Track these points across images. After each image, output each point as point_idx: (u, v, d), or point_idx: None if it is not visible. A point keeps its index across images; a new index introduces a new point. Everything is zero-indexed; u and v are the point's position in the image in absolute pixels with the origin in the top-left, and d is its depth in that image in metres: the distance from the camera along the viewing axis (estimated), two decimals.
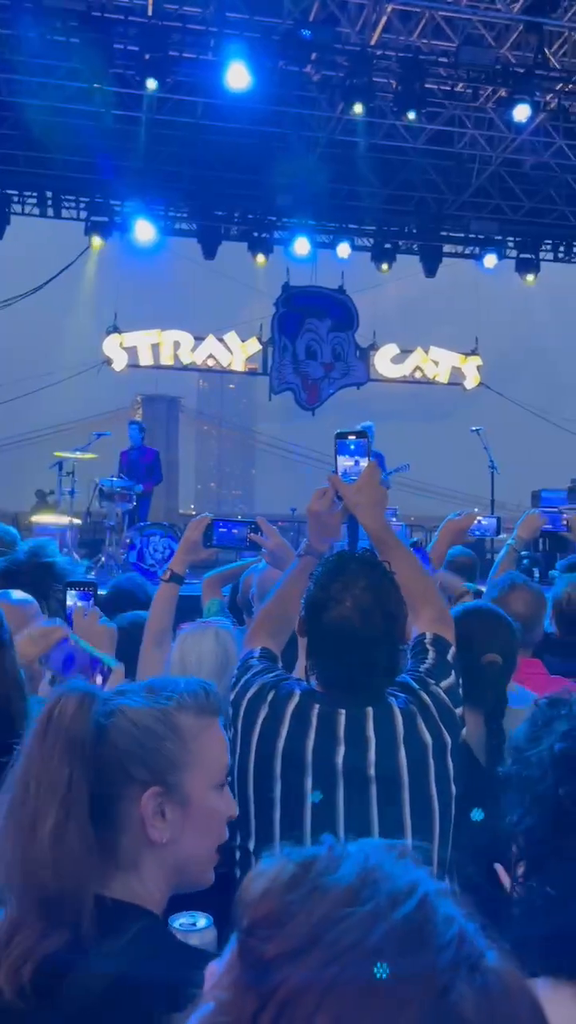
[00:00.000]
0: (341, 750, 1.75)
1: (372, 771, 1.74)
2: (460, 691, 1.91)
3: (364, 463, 2.13)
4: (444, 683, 1.88)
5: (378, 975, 0.47)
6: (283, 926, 0.50)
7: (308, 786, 1.75)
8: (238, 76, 9.71)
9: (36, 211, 13.61)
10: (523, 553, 4.16)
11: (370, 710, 1.79)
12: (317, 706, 1.81)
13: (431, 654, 1.93)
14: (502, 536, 4.26)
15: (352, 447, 2.14)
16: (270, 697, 1.84)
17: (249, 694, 1.88)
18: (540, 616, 3.10)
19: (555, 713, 1.16)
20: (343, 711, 1.79)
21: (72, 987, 1.07)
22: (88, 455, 10.06)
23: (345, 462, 2.13)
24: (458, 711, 1.86)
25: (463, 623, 2.59)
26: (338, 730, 1.77)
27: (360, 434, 2.17)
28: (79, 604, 2.17)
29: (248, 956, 0.51)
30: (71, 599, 2.31)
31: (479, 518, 3.52)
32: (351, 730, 1.77)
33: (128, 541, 8.89)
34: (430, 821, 1.77)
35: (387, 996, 0.47)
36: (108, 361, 14.33)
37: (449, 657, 1.94)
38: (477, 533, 3.62)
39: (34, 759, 1.18)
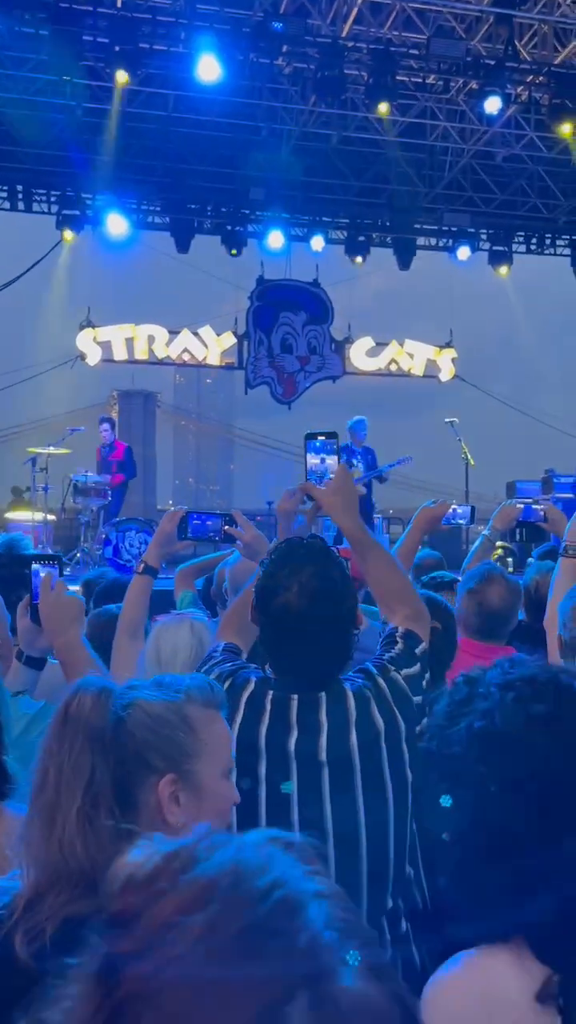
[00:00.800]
0: (294, 736, 1.78)
1: (324, 755, 1.76)
2: (424, 683, 1.92)
3: (332, 461, 2.15)
4: (405, 671, 1.90)
5: (213, 981, 0.46)
6: (135, 923, 0.50)
7: (263, 773, 1.77)
8: (209, 68, 9.67)
9: (7, 205, 13.49)
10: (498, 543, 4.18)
11: (323, 695, 1.81)
12: (271, 692, 1.83)
13: (399, 645, 1.95)
14: (478, 527, 4.28)
15: (318, 445, 2.17)
16: (226, 686, 1.86)
17: None
18: (515, 608, 3.12)
19: (473, 691, 1.19)
20: (295, 696, 1.81)
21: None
22: (62, 450, 10.00)
23: (312, 460, 2.16)
24: (417, 700, 1.87)
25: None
26: (291, 716, 1.79)
27: (330, 434, 2.20)
28: (44, 574, 2.14)
29: (101, 949, 0.50)
30: (35, 572, 2.26)
31: (454, 506, 3.54)
32: (303, 715, 1.79)
33: (103, 536, 8.85)
34: (384, 805, 1.78)
35: (220, 1004, 0.46)
36: (82, 356, 14.23)
37: (417, 651, 1.95)
38: (452, 521, 3.63)
39: (55, 751, 1.27)
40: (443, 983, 1.11)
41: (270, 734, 1.79)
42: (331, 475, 2.14)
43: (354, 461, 9.82)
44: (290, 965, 0.47)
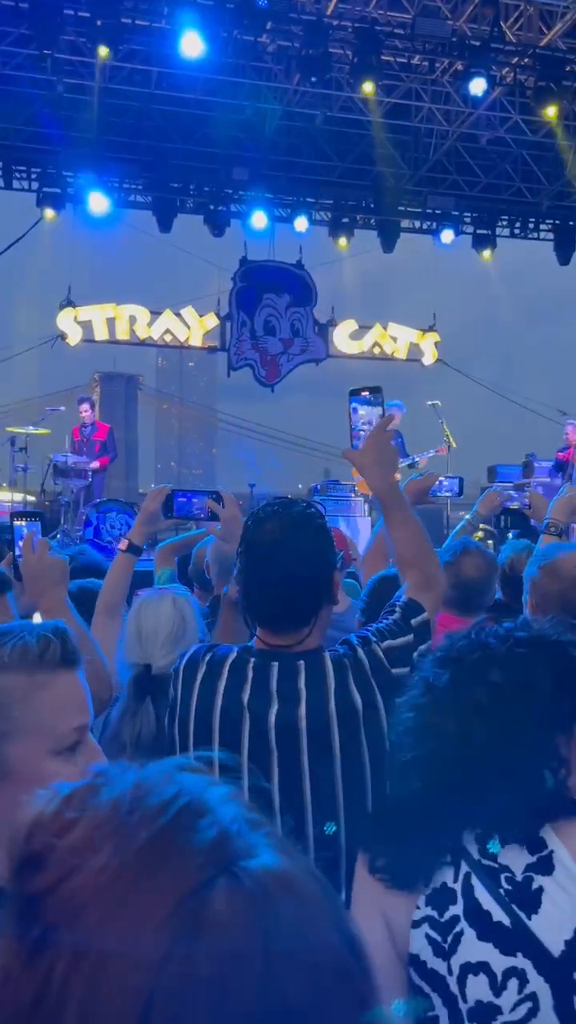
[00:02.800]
0: (275, 707, 1.79)
1: (303, 724, 1.78)
2: (415, 653, 1.92)
3: (374, 416, 2.15)
4: (389, 643, 1.90)
5: (127, 887, 0.47)
6: (46, 859, 0.50)
7: (245, 743, 1.78)
8: (192, 45, 9.56)
9: None
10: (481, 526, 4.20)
11: (302, 663, 1.83)
12: (252, 660, 1.84)
13: (395, 615, 1.96)
14: (460, 513, 4.28)
15: (364, 399, 2.18)
16: (207, 657, 1.88)
17: (186, 658, 1.92)
18: (492, 580, 3.13)
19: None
20: (276, 663, 1.83)
21: None
22: (41, 431, 9.92)
23: (357, 413, 2.17)
24: (403, 670, 1.87)
25: (377, 589, 2.66)
26: (271, 684, 1.81)
27: (374, 389, 2.19)
28: (26, 532, 2.10)
29: (15, 899, 0.50)
30: (18, 529, 2.22)
31: (441, 478, 3.53)
32: (283, 684, 1.81)
33: (84, 517, 8.80)
34: (362, 775, 1.81)
35: (138, 905, 0.47)
36: (62, 336, 14.08)
37: (414, 621, 1.95)
38: (439, 494, 3.63)
39: None
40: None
41: (252, 703, 1.80)
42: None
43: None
44: (202, 856, 0.48)
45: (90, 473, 9.48)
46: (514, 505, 3.65)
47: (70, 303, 14.09)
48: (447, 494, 3.73)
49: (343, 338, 15.29)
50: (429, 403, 10.42)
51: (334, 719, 1.79)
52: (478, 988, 1.23)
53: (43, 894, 0.49)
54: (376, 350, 15.45)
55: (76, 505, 9.17)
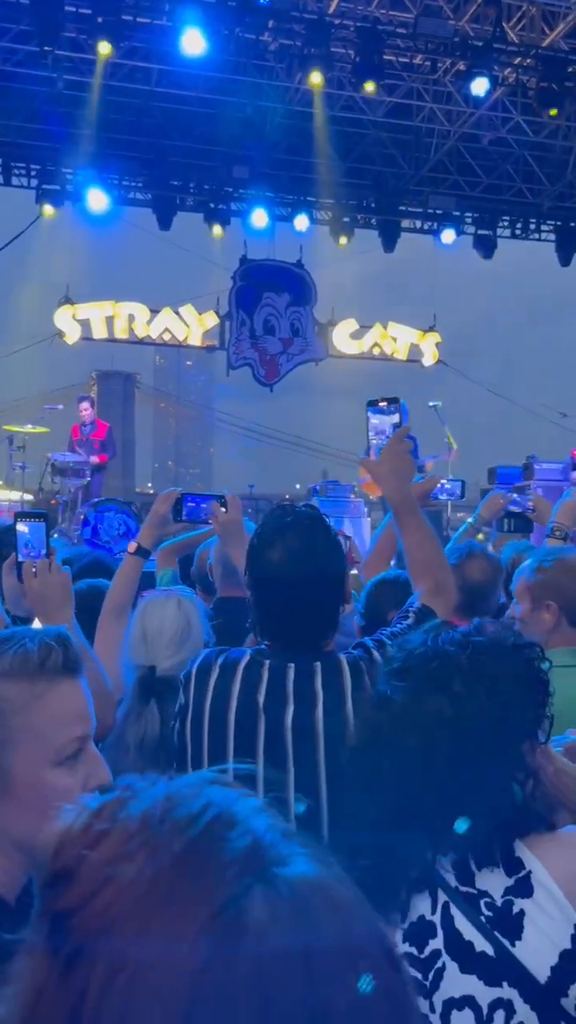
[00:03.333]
0: (291, 709, 1.78)
1: (320, 726, 1.77)
2: None
3: (389, 427, 2.17)
4: None
5: (160, 899, 0.47)
6: (76, 874, 0.49)
7: (261, 745, 1.77)
8: (193, 42, 9.52)
9: None
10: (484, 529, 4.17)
11: (318, 664, 1.82)
12: (267, 662, 1.83)
13: (408, 620, 1.97)
14: (459, 515, 4.26)
15: (381, 410, 2.20)
16: (220, 660, 1.87)
17: (198, 662, 1.90)
18: (496, 584, 3.11)
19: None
20: (292, 665, 1.82)
21: None
22: (39, 429, 9.88)
23: (373, 423, 2.19)
24: None
25: (375, 592, 2.65)
26: (287, 685, 1.80)
27: (391, 400, 2.21)
28: (29, 537, 2.08)
29: (45, 914, 0.49)
30: (21, 536, 2.17)
31: (443, 481, 3.50)
32: (300, 685, 1.80)
33: (82, 517, 8.76)
34: None
35: (169, 922, 0.46)
36: (60, 334, 14.04)
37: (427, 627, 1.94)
38: (440, 496, 3.60)
39: None
40: None
41: (268, 705, 1.79)
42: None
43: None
44: (236, 865, 0.48)
45: (88, 472, 9.44)
46: (516, 509, 3.62)
47: (68, 301, 14.05)
48: (448, 497, 3.71)
49: (343, 338, 15.27)
50: (430, 404, 10.39)
51: (351, 721, 1.77)
52: (464, 1022, 1.19)
53: (76, 908, 0.48)
54: (376, 350, 15.43)
55: (74, 504, 9.13)
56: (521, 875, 1.24)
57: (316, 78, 10.31)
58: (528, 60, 10.80)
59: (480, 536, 3.86)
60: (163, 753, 2.02)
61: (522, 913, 1.21)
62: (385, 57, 10.54)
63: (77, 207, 12.97)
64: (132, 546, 2.64)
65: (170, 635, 2.20)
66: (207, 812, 0.51)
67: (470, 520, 3.63)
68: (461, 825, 1.22)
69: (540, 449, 12.17)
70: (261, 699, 1.79)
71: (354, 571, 4.00)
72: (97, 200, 12.50)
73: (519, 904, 1.22)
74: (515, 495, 3.72)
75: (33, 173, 13.06)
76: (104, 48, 9.89)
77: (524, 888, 1.23)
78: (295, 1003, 0.45)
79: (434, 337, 15.52)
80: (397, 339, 15.53)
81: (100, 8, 9.48)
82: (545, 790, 1.34)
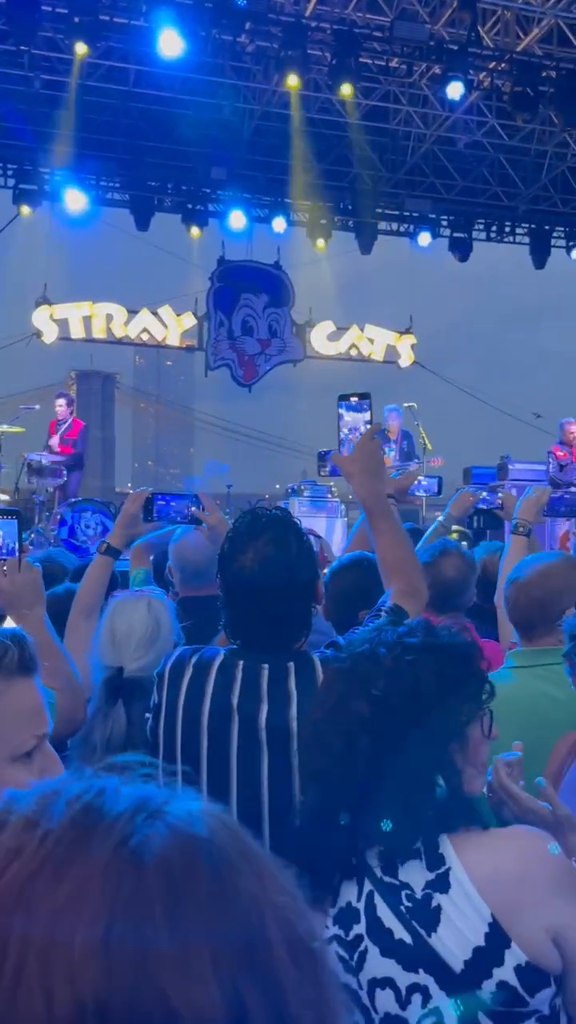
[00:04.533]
0: (264, 708, 1.79)
1: (294, 725, 1.77)
2: None
3: (361, 424, 2.16)
4: None
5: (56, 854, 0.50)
6: None
7: (234, 744, 1.78)
8: (170, 43, 9.53)
9: None
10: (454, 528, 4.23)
11: (292, 664, 1.83)
12: (241, 662, 1.84)
13: (381, 621, 1.94)
14: (435, 513, 4.31)
15: (352, 405, 2.19)
16: (195, 659, 1.87)
17: (171, 661, 1.91)
18: (470, 580, 3.15)
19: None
20: (266, 666, 1.82)
21: None
22: (15, 429, 9.84)
23: (345, 419, 2.18)
24: None
25: (339, 576, 2.66)
26: (261, 685, 1.81)
27: (362, 395, 2.20)
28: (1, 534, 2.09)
29: None
30: None
31: (420, 477, 3.55)
32: (274, 685, 1.81)
33: (59, 517, 8.74)
34: None
35: (73, 871, 0.49)
36: (37, 334, 13.98)
37: None
38: (417, 492, 3.64)
39: None
40: None
41: (242, 704, 1.80)
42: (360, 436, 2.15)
43: (385, 450, 9.82)
44: (127, 812, 0.51)
45: (65, 471, 9.42)
46: (485, 506, 3.67)
47: (46, 301, 14.00)
48: (426, 493, 3.75)
49: (320, 339, 15.32)
50: (405, 405, 10.47)
51: None
52: (386, 1002, 1.26)
53: None
54: (353, 351, 15.49)
55: (51, 504, 9.11)
56: (441, 871, 1.29)
57: (293, 80, 10.35)
58: (503, 64, 10.90)
59: (454, 535, 3.91)
60: (130, 753, 2.04)
61: (439, 908, 1.27)
62: (361, 60, 10.60)
63: (55, 207, 12.93)
64: (102, 546, 2.63)
65: (139, 637, 2.21)
66: (98, 784, 0.54)
67: (440, 518, 3.67)
68: (385, 825, 1.27)
69: (515, 450, 12.28)
70: (235, 698, 1.79)
71: (326, 570, 4.04)
72: (75, 200, 12.48)
73: (437, 899, 1.27)
74: (485, 493, 3.77)
75: (10, 173, 13.01)
76: (80, 48, 9.88)
77: (443, 884, 1.28)
78: (201, 908, 0.48)
79: (410, 339, 15.60)
80: (374, 341, 15.61)
81: (77, 8, 9.47)
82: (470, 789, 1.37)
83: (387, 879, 1.31)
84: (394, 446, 10.15)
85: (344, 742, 1.34)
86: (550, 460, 10.42)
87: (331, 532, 9.53)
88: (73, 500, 9.17)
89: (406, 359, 15.65)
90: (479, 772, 1.40)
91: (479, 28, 10.95)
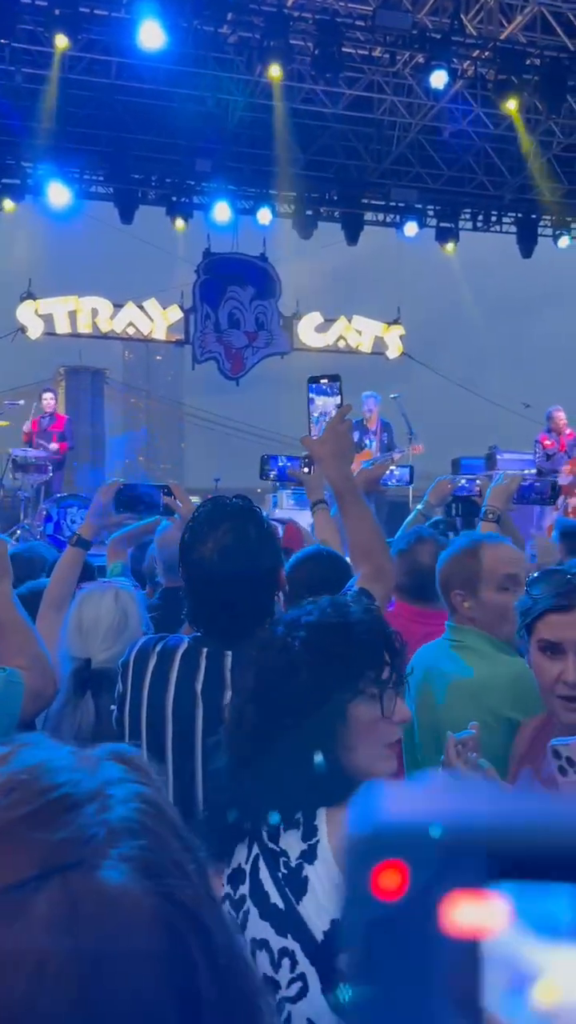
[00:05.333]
0: (228, 694, 1.79)
1: None
2: None
3: (332, 406, 2.18)
4: None
5: None
6: None
7: (199, 729, 1.79)
8: (152, 35, 9.46)
9: None
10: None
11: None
12: (205, 649, 1.85)
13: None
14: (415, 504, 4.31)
15: (322, 388, 2.21)
16: (159, 648, 1.87)
17: (136, 649, 1.91)
18: None
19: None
20: (229, 653, 1.83)
21: None
22: (0, 422, 9.80)
23: (316, 402, 2.20)
24: None
25: (297, 569, 2.68)
26: (225, 672, 1.81)
27: (332, 377, 2.21)
28: None
29: None
30: None
31: (392, 467, 3.55)
32: (237, 672, 1.81)
33: (44, 512, 8.71)
34: None
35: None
36: (23, 329, 13.92)
37: None
38: (391, 483, 3.65)
39: None
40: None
41: (205, 691, 1.81)
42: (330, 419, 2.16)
43: (365, 442, 9.79)
44: (48, 853, 0.49)
45: (50, 467, 9.38)
46: (464, 493, 3.67)
47: (31, 295, 13.94)
48: (398, 483, 3.76)
49: (308, 331, 15.29)
50: (391, 396, 10.46)
51: None
52: (262, 963, 1.31)
53: None
54: (341, 343, 15.48)
55: (36, 500, 9.07)
56: (312, 842, 1.34)
57: (275, 71, 10.30)
58: (487, 53, 10.86)
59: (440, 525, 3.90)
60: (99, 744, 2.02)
61: (307, 878, 1.33)
62: (344, 50, 10.56)
63: (38, 201, 12.85)
64: (73, 538, 2.62)
65: (106, 627, 2.20)
66: (58, 789, 0.53)
67: (419, 507, 3.67)
68: (270, 793, 1.36)
69: (503, 440, 12.29)
70: (199, 686, 1.80)
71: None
72: (58, 194, 12.40)
73: (306, 869, 1.33)
74: (463, 480, 3.77)
75: None
76: (61, 41, 9.81)
77: (311, 855, 1.34)
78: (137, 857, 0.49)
79: (398, 330, 15.59)
80: (362, 332, 15.59)
81: (56, 0, 9.40)
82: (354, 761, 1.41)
83: (271, 845, 1.38)
84: (374, 437, 10.11)
85: (235, 712, 1.44)
86: (537, 449, 10.43)
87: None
88: (59, 496, 9.14)
89: (394, 350, 15.64)
90: (382, 753, 1.43)
91: (462, 16, 10.91)
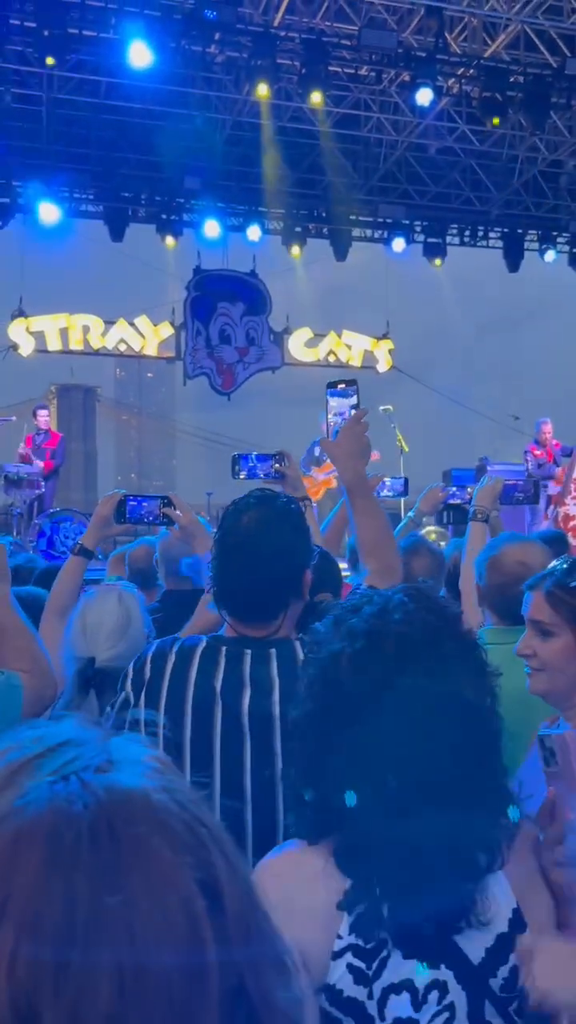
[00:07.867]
0: (247, 694, 1.80)
1: (276, 710, 1.79)
2: None
3: (347, 409, 2.24)
4: None
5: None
6: None
7: (218, 728, 1.79)
8: (140, 55, 9.57)
9: None
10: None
11: (274, 651, 1.85)
12: (224, 648, 1.86)
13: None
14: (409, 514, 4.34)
15: (339, 392, 2.27)
16: (176, 647, 1.89)
17: (153, 649, 1.92)
18: (438, 576, 3.19)
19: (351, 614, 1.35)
20: (248, 651, 1.84)
21: None
22: None
23: (332, 406, 2.26)
24: None
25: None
26: (244, 671, 1.82)
27: (349, 382, 2.29)
28: None
29: None
30: None
31: (385, 478, 3.59)
32: (256, 671, 1.83)
33: (37, 528, 8.72)
34: None
35: (24, 826, 0.50)
36: (14, 346, 13.97)
37: None
38: (384, 494, 3.69)
39: None
40: (264, 866, 1.25)
41: (225, 690, 1.81)
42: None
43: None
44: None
45: (42, 483, 9.41)
46: (455, 501, 3.71)
47: (22, 313, 13.99)
48: (389, 493, 3.80)
49: (298, 346, 15.38)
50: (381, 409, 10.53)
51: None
52: (399, 1006, 1.19)
53: None
54: (331, 358, 15.57)
55: (28, 516, 9.09)
56: None
57: (263, 89, 10.42)
58: (471, 71, 11.02)
59: (433, 535, 3.95)
60: None
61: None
62: (331, 68, 10.69)
63: (28, 220, 12.93)
64: (76, 547, 2.66)
65: (110, 627, 2.23)
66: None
67: (410, 514, 3.71)
68: (349, 799, 1.18)
69: (493, 451, 12.37)
70: (218, 685, 1.81)
71: None
72: (48, 213, 12.49)
73: None
74: (453, 488, 3.81)
75: None
76: (50, 61, 9.90)
77: None
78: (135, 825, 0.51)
79: (387, 344, 15.70)
80: (351, 347, 15.69)
81: (45, 21, 9.49)
82: None
83: None
84: None
85: (302, 718, 1.33)
86: (527, 459, 10.52)
87: None
88: (52, 511, 9.15)
89: (384, 364, 15.74)
90: None
91: (446, 35, 11.07)
